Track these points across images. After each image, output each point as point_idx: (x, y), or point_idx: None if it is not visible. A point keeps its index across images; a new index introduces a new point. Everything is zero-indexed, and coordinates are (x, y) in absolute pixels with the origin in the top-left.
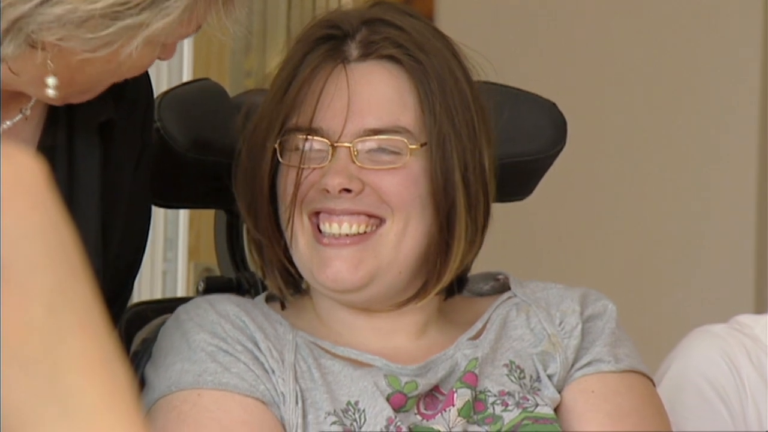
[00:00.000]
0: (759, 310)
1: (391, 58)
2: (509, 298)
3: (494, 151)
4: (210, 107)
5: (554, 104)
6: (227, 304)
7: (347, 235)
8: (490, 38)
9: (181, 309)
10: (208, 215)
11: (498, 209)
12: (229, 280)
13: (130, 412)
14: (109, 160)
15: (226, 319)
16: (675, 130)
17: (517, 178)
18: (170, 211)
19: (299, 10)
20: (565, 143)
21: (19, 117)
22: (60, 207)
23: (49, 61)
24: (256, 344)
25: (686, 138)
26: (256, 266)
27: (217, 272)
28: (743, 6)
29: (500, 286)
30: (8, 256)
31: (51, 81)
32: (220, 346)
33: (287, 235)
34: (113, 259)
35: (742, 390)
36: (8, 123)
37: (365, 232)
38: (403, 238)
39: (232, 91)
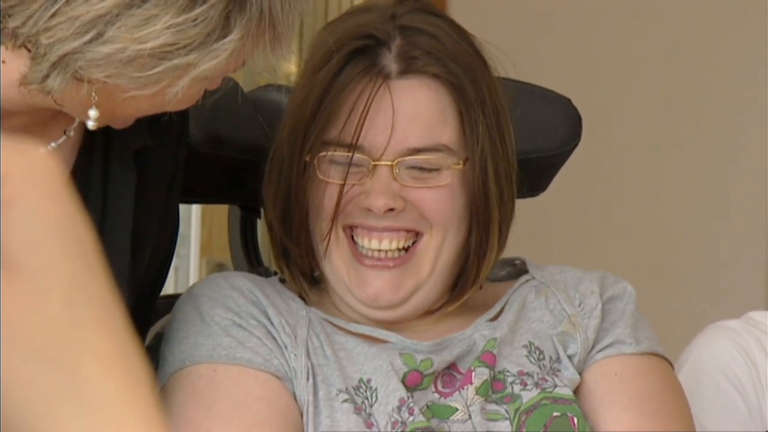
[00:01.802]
0: None
1: (431, 74)
2: (527, 281)
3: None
4: (225, 102)
5: (569, 100)
6: (241, 279)
7: (387, 253)
8: (503, 33)
9: (195, 284)
10: (220, 211)
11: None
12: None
13: (148, 407)
14: (143, 184)
15: (240, 293)
16: (688, 126)
17: (532, 175)
18: (182, 207)
19: (311, 8)
20: (579, 139)
21: (63, 138)
22: (76, 201)
23: (93, 94)
24: (269, 319)
25: (699, 135)
26: (279, 270)
27: (229, 267)
28: (757, 2)
29: (517, 272)
30: (23, 250)
31: (93, 113)
32: (233, 320)
33: (322, 247)
34: (142, 275)
35: (758, 383)
36: (53, 144)
37: (405, 249)
38: (441, 251)
39: (245, 87)
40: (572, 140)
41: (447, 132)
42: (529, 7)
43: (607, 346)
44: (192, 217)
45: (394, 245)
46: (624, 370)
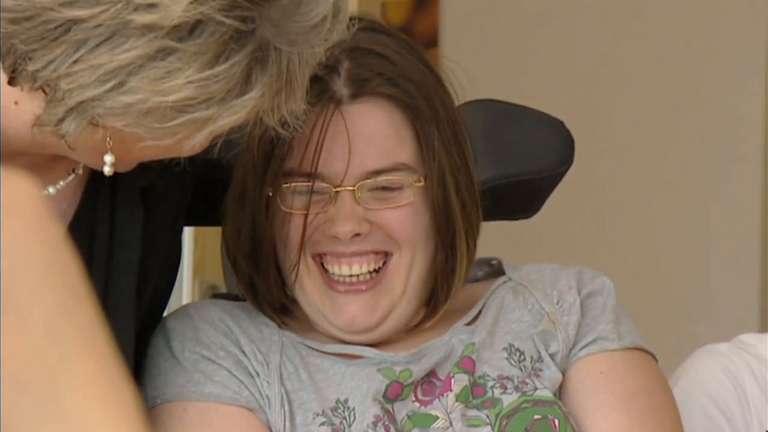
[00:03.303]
0: (763, 329)
1: (383, 95)
2: (504, 282)
3: (474, 163)
4: None
5: (562, 122)
6: (212, 308)
7: (358, 277)
8: (496, 56)
9: (167, 317)
10: (213, 232)
11: (504, 227)
12: (236, 296)
13: (136, 430)
14: (150, 219)
15: (210, 324)
16: (681, 151)
17: (525, 197)
18: None
19: None
20: (572, 161)
21: (72, 177)
22: (60, 229)
23: (109, 139)
24: (240, 348)
25: (692, 158)
26: (250, 303)
27: (222, 289)
28: (749, 25)
29: (494, 272)
30: (7, 279)
31: (109, 159)
32: (203, 354)
33: (291, 277)
34: (146, 304)
35: (746, 408)
36: (61, 183)
37: (376, 271)
38: (412, 269)
39: None
40: (565, 162)
41: (404, 151)
42: (522, 30)
43: (590, 343)
44: (185, 239)
45: (364, 269)
46: (609, 367)
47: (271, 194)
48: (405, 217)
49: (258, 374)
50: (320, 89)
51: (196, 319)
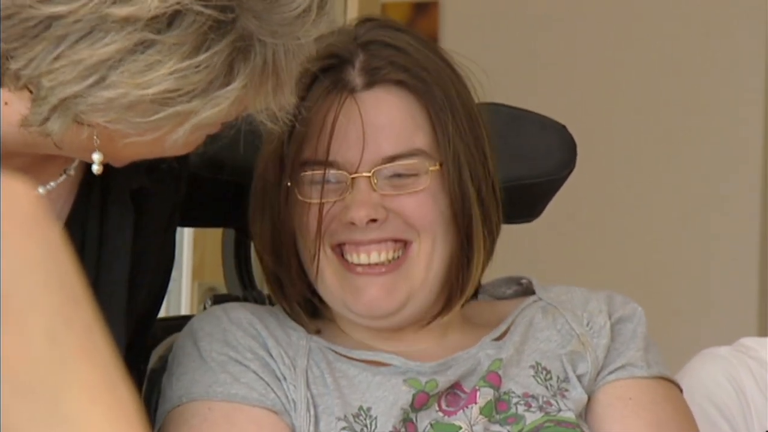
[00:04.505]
0: (762, 331)
1: (397, 82)
2: (534, 301)
3: (496, 161)
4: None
5: (564, 126)
6: (241, 311)
7: (377, 263)
8: (497, 58)
9: (195, 318)
10: (213, 234)
11: (504, 230)
12: (237, 298)
13: None
14: (141, 222)
15: (238, 327)
16: (681, 154)
17: (526, 200)
18: None
19: None
20: (574, 166)
21: (63, 177)
22: (58, 233)
23: (95, 137)
24: (267, 351)
25: (692, 161)
26: (279, 303)
27: (222, 291)
28: (749, 27)
29: (524, 291)
30: (6, 285)
31: (96, 157)
32: (230, 355)
33: (312, 268)
34: (139, 307)
35: (748, 412)
36: (52, 184)
37: (396, 258)
38: (433, 257)
39: None
40: (567, 166)
41: (420, 136)
42: (524, 33)
43: (619, 368)
44: (184, 240)
45: (383, 257)
46: (638, 395)
47: (289, 185)
48: (422, 203)
49: (285, 378)
50: (334, 79)
51: (225, 321)
